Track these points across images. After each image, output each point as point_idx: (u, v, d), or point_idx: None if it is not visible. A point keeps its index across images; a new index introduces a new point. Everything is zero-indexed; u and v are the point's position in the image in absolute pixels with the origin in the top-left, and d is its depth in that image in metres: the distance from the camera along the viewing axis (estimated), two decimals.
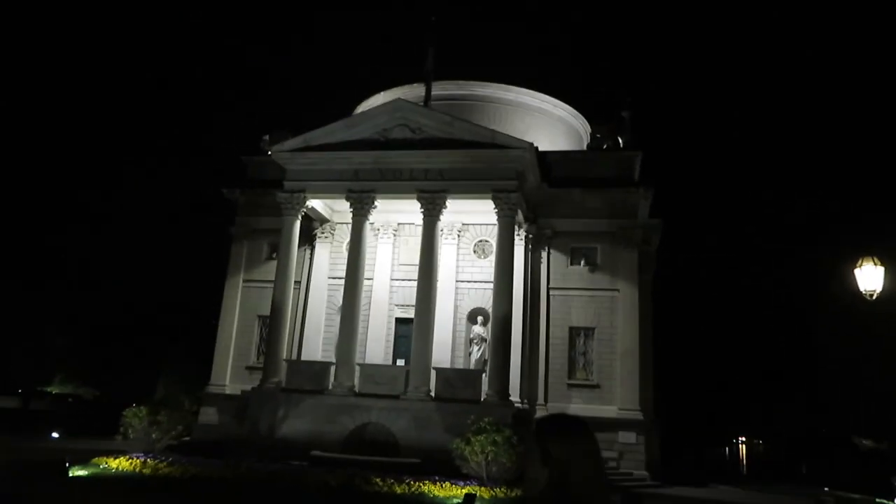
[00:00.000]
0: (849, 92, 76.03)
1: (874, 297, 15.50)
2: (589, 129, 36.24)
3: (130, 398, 25.25)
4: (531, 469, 3.11)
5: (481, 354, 29.20)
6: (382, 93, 37.27)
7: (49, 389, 47.18)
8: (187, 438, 25.61)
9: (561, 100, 37.93)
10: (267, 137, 34.51)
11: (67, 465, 17.50)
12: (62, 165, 64.40)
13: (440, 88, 33.68)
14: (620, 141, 32.70)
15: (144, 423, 22.78)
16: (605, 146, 32.77)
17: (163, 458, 20.89)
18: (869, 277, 15.49)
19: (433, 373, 26.53)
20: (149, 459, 20.60)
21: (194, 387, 34.76)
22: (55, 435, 35.34)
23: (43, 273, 47.49)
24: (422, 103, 30.49)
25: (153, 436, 22.87)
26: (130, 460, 20.49)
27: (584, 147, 35.54)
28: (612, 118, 33.66)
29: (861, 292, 15.76)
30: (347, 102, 41.23)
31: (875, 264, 15.38)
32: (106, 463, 20.27)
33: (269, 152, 30.95)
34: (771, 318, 54.92)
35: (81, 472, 18.64)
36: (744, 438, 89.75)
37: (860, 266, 15.74)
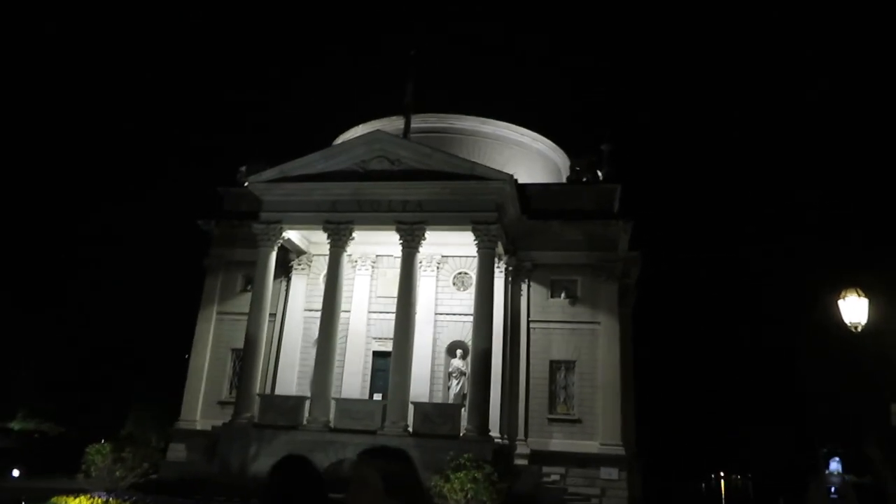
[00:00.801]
0: (829, 117, 77.64)
1: (859, 330, 15.28)
2: (568, 162, 36.34)
3: (98, 434, 24.33)
4: None
5: (460, 388, 28.64)
6: (361, 125, 37.16)
7: (12, 425, 45.49)
8: (154, 476, 24.62)
9: (540, 133, 38.09)
10: (244, 169, 34.06)
11: None
12: (34, 192, 63.33)
13: (419, 121, 33.64)
14: (600, 174, 32.78)
15: (108, 461, 21.82)
16: (584, 179, 32.79)
17: (126, 497, 20.00)
18: (853, 309, 15.29)
19: (411, 407, 25.92)
20: (111, 499, 19.69)
21: (164, 422, 33.70)
22: (15, 473, 33.93)
23: (3, 302, 46.16)
24: (401, 135, 30.36)
25: (117, 473, 21.90)
26: (91, 500, 19.57)
27: (563, 180, 35.59)
28: (591, 151, 33.80)
29: (845, 324, 15.57)
30: (326, 135, 41.12)
31: (859, 295, 15.20)
32: (65, 503, 19.31)
33: (246, 183, 30.51)
34: (752, 350, 55.06)
35: None
36: (723, 473, 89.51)
37: (843, 297, 15.55)
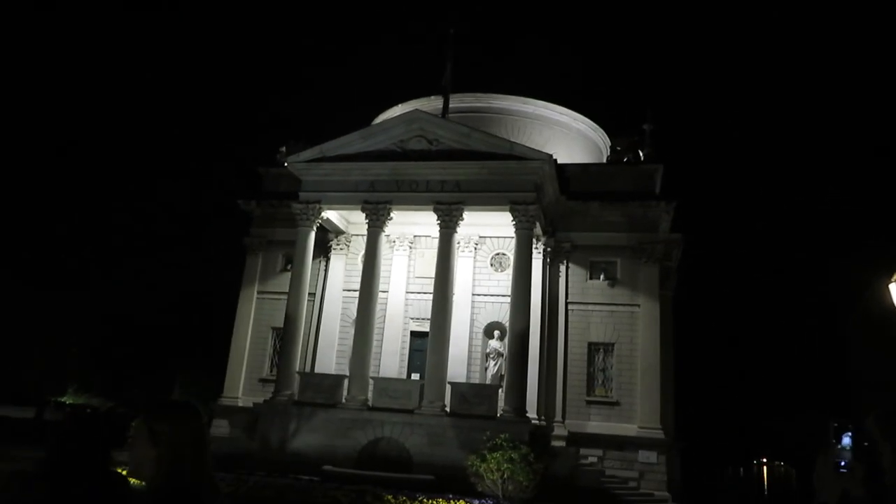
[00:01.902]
0: (889, 100, 74.84)
1: None
2: (608, 142, 35.75)
3: (145, 408, 24.87)
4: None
5: (497, 369, 28.62)
6: (400, 105, 37.10)
7: (63, 400, 47.10)
8: None
9: (580, 113, 37.53)
10: (283, 149, 34.39)
11: None
12: (77, 173, 64.94)
13: (458, 101, 33.41)
14: (641, 154, 32.14)
15: None
16: (625, 159, 32.21)
17: None
18: None
19: (448, 387, 25.99)
20: None
21: (208, 399, 34.45)
22: None
23: (56, 281, 47.62)
24: (439, 115, 30.21)
25: None
26: None
27: (604, 160, 35.03)
28: (633, 131, 33.16)
29: None
30: (365, 115, 41.16)
31: None
32: None
33: (286, 163, 30.77)
34: (798, 335, 53.79)
35: None
36: (765, 459, 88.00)
37: (895, 281, 15.02)
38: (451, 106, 31.69)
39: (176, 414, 3.27)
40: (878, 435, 2.33)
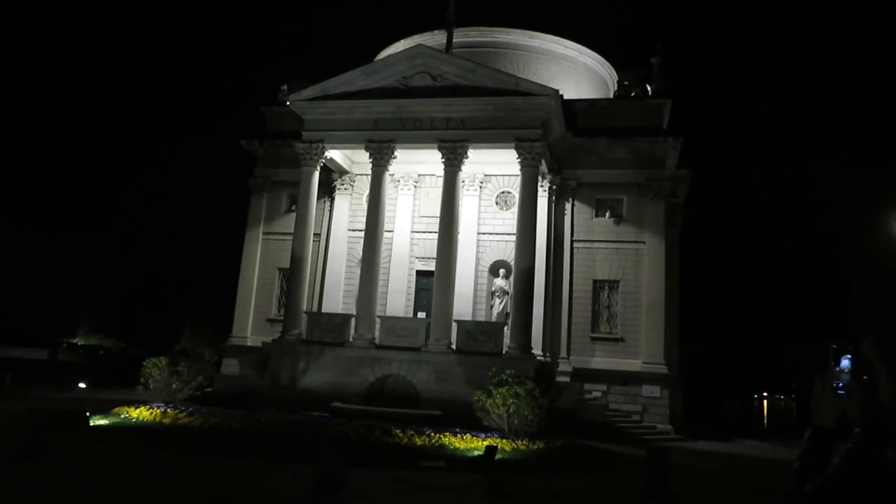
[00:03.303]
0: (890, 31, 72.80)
1: None
2: (616, 77, 35.03)
3: (155, 350, 25.27)
4: None
5: (503, 307, 28.82)
6: (403, 40, 36.28)
7: (75, 341, 47.85)
8: (209, 389, 25.69)
9: (588, 47, 36.65)
10: (285, 87, 33.82)
11: (88, 414, 17.51)
12: (80, 118, 64.27)
13: (462, 35, 32.63)
14: (649, 89, 31.53)
15: (165, 374, 22.78)
16: (632, 94, 31.61)
17: (183, 409, 20.90)
18: None
19: (454, 325, 26.23)
20: (169, 409, 20.62)
21: (217, 339, 34.96)
22: (82, 386, 35.90)
23: (64, 223, 47.72)
24: (443, 50, 29.54)
25: (173, 386, 22.89)
26: (151, 410, 20.53)
27: (611, 96, 34.39)
28: (641, 65, 32.43)
29: None
30: (368, 51, 40.34)
31: None
32: (126, 413, 20.34)
33: (287, 102, 30.31)
34: (803, 270, 53.82)
35: (102, 422, 18.70)
36: (766, 393, 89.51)
37: None
38: (455, 41, 30.96)
39: None
40: (875, 357, 2.31)
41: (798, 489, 2.27)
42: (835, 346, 2.93)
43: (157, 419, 19.56)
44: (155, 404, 21.47)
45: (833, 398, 2.66)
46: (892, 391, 2.24)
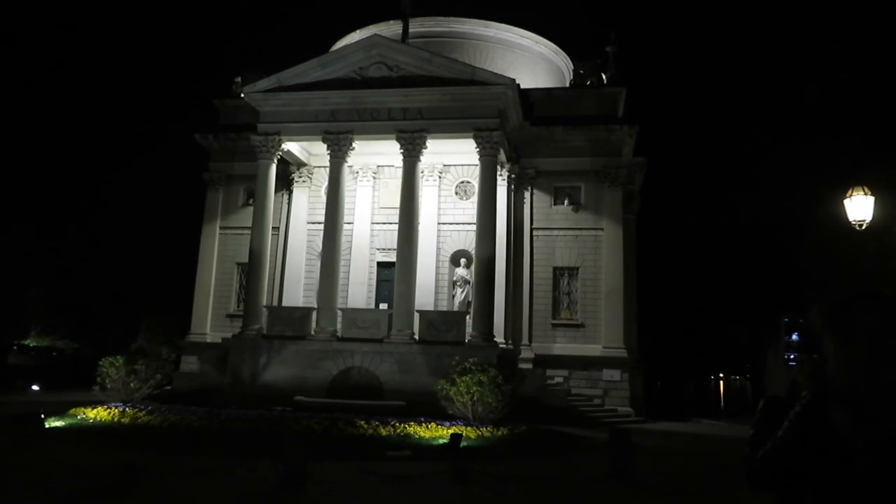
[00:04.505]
0: (843, 20, 74.84)
1: (863, 228, 15.22)
2: (571, 66, 35.32)
3: (111, 350, 24.68)
4: None
5: (465, 296, 28.96)
6: (358, 31, 35.98)
7: (27, 343, 46.46)
8: (168, 388, 25.25)
9: (543, 36, 36.85)
10: (239, 79, 33.29)
11: (43, 416, 17.06)
12: (28, 114, 62.23)
13: (418, 25, 32.52)
14: (604, 77, 31.91)
15: (122, 373, 22.28)
16: (588, 83, 31.96)
17: (141, 408, 20.48)
18: (859, 207, 15.16)
19: (416, 316, 26.25)
20: (127, 409, 20.20)
21: (175, 336, 34.30)
22: (35, 388, 34.93)
23: (11, 224, 46.20)
24: (399, 41, 29.39)
25: (131, 385, 22.41)
26: (108, 410, 20.08)
27: (567, 85, 34.69)
28: (596, 54, 32.79)
29: (850, 223, 15.48)
30: (323, 42, 39.87)
31: (865, 194, 15.04)
32: (83, 413, 19.87)
33: (242, 94, 29.82)
34: (755, 253, 55.22)
35: (58, 423, 18.24)
36: (722, 375, 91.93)
37: (850, 196, 15.40)
38: (411, 31, 30.87)
39: None
40: (820, 327, 2.44)
41: (752, 455, 2.38)
42: (786, 321, 3.05)
43: (116, 419, 19.15)
44: (113, 404, 21.00)
45: (785, 370, 2.77)
46: (835, 358, 2.37)
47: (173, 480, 11.49)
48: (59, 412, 19.73)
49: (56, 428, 17.52)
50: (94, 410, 20.16)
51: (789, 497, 2.38)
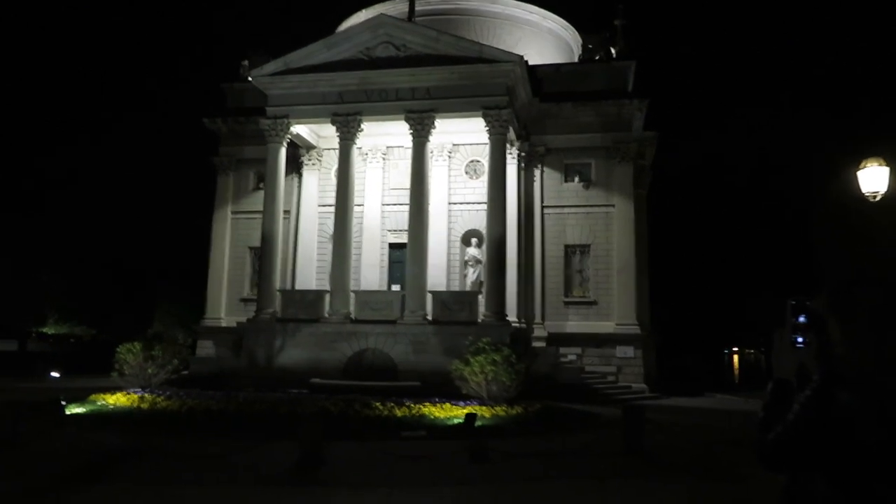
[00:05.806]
0: None
1: (877, 199, 15.05)
2: (580, 40, 34.95)
3: (127, 336, 24.94)
4: None
5: (477, 276, 29.00)
6: (364, 10, 35.73)
7: (45, 330, 47.08)
8: (185, 372, 25.51)
9: (550, 10, 36.44)
10: (246, 62, 33.21)
11: (63, 403, 17.30)
12: (38, 98, 62.50)
13: (424, 3, 32.21)
14: (613, 51, 31.56)
15: (139, 359, 22.54)
16: (597, 58, 31.65)
17: (160, 393, 20.75)
18: (873, 178, 14.97)
19: (429, 296, 26.34)
20: (146, 394, 20.46)
21: (190, 321, 34.64)
22: (55, 375, 35.42)
23: (28, 209, 46.64)
24: (405, 19, 29.16)
25: (149, 371, 22.68)
26: (127, 396, 20.35)
27: (576, 60, 34.35)
28: (604, 28, 32.40)
29: (863, 195, 15.30)
30: (330, 22, 39.61)
31: (880, 164, 14.84)
32: (103, 400, 20.14)
33: (249, 78, 29.77)
34: (769, 226, 54.74)
35: (79, 410, 18.50)
36: (736, 349, 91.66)
37: (864, 167, 15.21)
38: (417, 9, 30.56)
39: None
40: (827, 310, 2.48)
41: (763, 438, 2.42)
42: (793, 303, 3.07)
43: (135, 405, 19.39)
44: (131, 390, 21.28)
45: (792, 352, 2.80)
46: (843, 341, 2.41)
47: (193, 462, 11.67)
48: (80, 398, 20.00)
49: (77, 414, 17.78)
50: (114, 396, 20.43)
51: (801, 476, 2.43)
